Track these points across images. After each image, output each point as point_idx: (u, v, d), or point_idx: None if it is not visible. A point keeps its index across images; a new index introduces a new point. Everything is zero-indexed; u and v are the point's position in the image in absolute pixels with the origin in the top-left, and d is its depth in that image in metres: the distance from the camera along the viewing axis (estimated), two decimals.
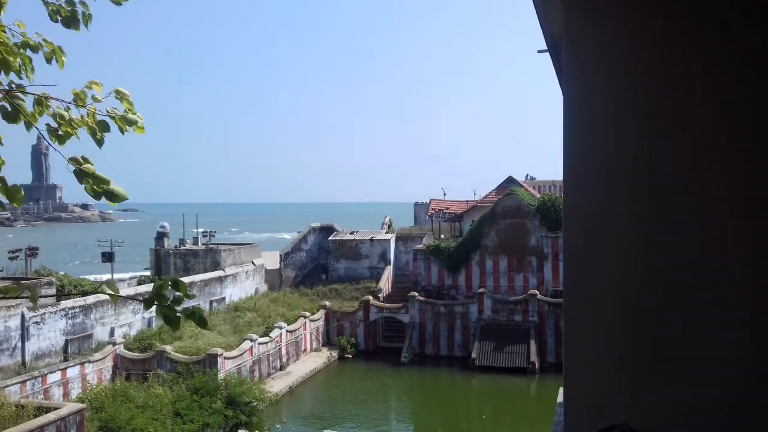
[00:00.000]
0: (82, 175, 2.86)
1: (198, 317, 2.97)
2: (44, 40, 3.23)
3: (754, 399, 1.86)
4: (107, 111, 3.08)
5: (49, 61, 3.27)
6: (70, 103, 3.05)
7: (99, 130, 3.06)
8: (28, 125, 3.02)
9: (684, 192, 1.97)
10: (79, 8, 3.26)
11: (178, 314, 2.93)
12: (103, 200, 2.98)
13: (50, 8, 3.22)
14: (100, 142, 3.09)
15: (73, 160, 2.87)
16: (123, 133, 3.12)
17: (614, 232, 2.03)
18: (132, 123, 3.12)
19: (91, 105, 3.05)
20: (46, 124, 3.03)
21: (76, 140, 3.11)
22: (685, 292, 1.94)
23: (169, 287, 2.98)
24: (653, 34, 2.04)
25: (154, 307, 2.95)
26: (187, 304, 3.00)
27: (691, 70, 2.00)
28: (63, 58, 3.29)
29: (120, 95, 3.10)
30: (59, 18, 3.23)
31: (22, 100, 3.01)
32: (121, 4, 3.30)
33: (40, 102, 3.03)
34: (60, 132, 3.05)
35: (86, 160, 2.89)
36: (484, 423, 27.84)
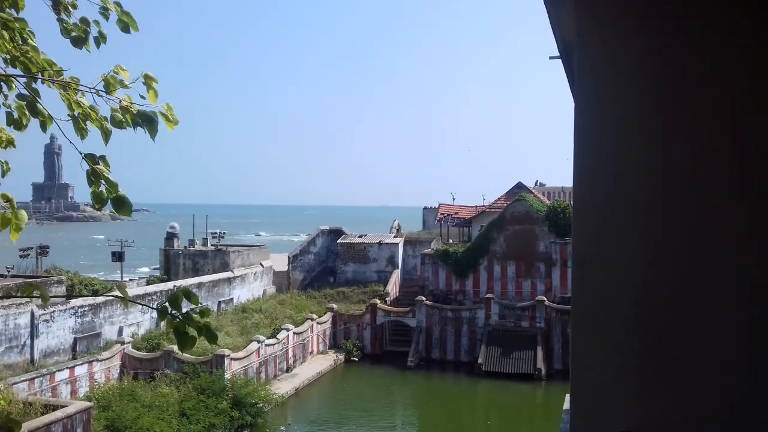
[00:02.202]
0: (95, 175, 2.68)
1: (207, 332, 2.84)
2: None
3: (761, 408, 1.85)
4: (130, 104, 2.81)
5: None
6: (94, 89, 2.83)
7: (134, 122, 2.78)
8: (43, 125, 2.90)
9: (695, 200, 1.96)
10: (94, 29, 3.12)
11: (190, 333, 2.80)
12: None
13: (63, 25, 3.12)
14: (107, 136, 2.86)
15: (89, 157, 2.69)
16: (170, 128, 2.87)
17: (624, 240, 2.03)
18: (153, 122, 2.83)
19: (128, 96, 2.82)
20: (67, 114, 2.87)
21: (89, 134, 2.94)
22: (694, 301, 1.94)
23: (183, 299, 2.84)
24: (668, 42, 2.03)
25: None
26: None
27: (704, 78, 1.99)
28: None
29: (148, 81, 2.86)
30: (71, 35, 3.11)
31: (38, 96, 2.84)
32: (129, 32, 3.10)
33: (66, 87, 2.84)
34: (80, 122, 2.86)
35: (104, 161, 2.71)
36: (490, 429, 27.70)
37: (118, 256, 38.38)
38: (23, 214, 2.82)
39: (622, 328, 2.02)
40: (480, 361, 33.27)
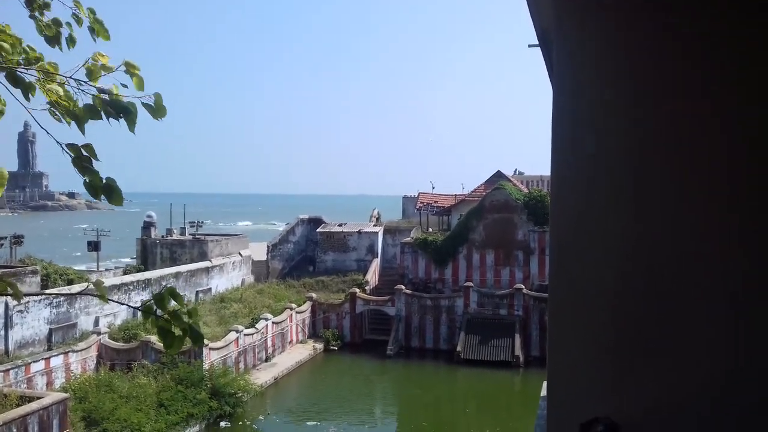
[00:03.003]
0: (81, 166, 2.55)
1: (193, 334, 2.72)
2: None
3: (740, 394, 1.86)
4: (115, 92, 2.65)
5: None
6: (73, 78, 2.67)
7: (107, 113, 2.61)
8: (26, 93, 2.68)
9: (674, 191, 1.97)
10: (65, 30, 3.04)
11: (176, 333, 2.70)
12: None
13: (37, 23, 3.05)
14: (81, 125, 2.68)
15: (71, 146, 2.56)
16: (157, 118, 2.70)
17: (601, 228, 2.03)
18: (153, 109, 2.68)
19: (113, 86, 2.65)
20: (47, 102, 2.70)
21: (66, 125, 2.75)
22: (673, 287, 1.92)
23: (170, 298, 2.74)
24: (649, 29, 2.02)
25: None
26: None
27: (686, 67, 1.98)
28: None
29: (130, 69, 2.70)
30: (44, 34, 3.04)
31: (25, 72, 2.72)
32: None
33: (47, 75, 2.70)
34: (57, 111, 2.68)
35: (88, 149, 2.58)
36: (468, 416, 27.87)
37: (94, 246, 37.93)
38: (2, 171, 2.66)
39: (600, 316, 2.01)
40: (459, 349, 33.45)
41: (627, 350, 1.97)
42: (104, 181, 2.62)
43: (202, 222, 45.88)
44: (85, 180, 2.57)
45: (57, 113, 2.69)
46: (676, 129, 1.98)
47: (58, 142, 2.54)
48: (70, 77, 2.67)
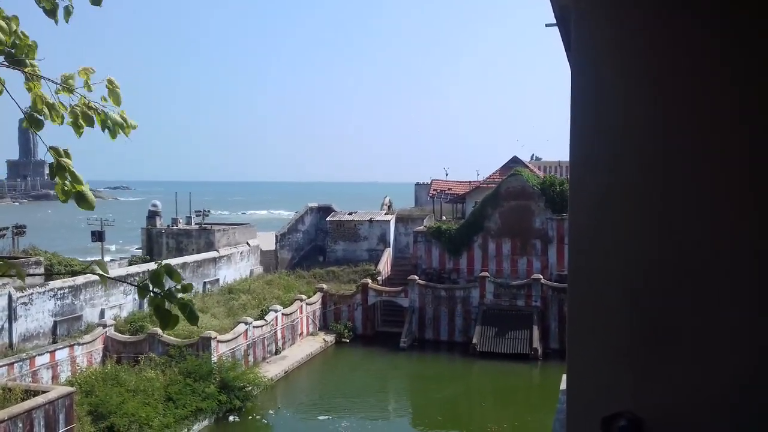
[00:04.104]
0: (59, 168, 2.72)
1: (189, 312, 2.74)
2: None
3: (764, 393, 1.83)
4: (87, 104, 2.87)
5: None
6: (57, 84, 2.85)
7: (84, 122, 2.87)
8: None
9: (697, 175, 1.92)
10: (63, 1, 3.04)
11: (172, 311, 2.74)
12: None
13: None
14: (79, 133, 2.90)
15: (53, 149, 2.74)
16: (113, 137, 2.95)
17: (622, 215, 2.00)
18: (120, 125, 2.92)
19: (83, 96, 2.88)
20: (27, 107, 2.89)
21: (54, 126, 2.98)
22: (695, 278, 1.90)
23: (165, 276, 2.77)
24: (671, 5, 1.97)
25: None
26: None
27: (711, 44, 1.92)
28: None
29: (110, 85, 2.92)
30: (42, 6, 3.02)
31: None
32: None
33: (30, 78, 2.85)
34: (40, 117, 2.88)
35: (67, 154, 2.76)
36: (485, 410, 27.28)
37: (98, 236, 37.17)
38: None
39: (621, 307, 1.98)
40: (474, 341, 32.77)
41: (649, 344, 1.98)
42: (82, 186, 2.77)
43: (209, 211, 45.23)
44: (55, 183, 2.74)
45: (42, 117, 2.86)
46: (704, 113, 1.94)
47: (44, 142, 2.75)
48: (58, 83, 2.86)
